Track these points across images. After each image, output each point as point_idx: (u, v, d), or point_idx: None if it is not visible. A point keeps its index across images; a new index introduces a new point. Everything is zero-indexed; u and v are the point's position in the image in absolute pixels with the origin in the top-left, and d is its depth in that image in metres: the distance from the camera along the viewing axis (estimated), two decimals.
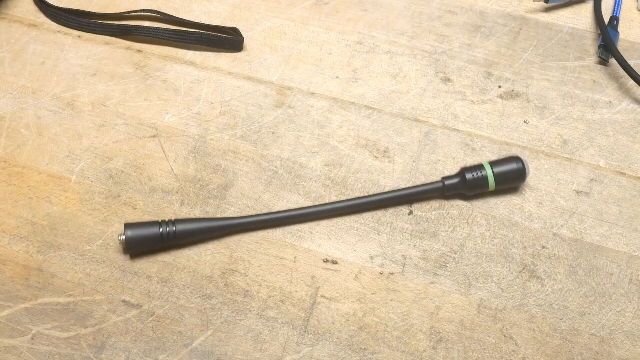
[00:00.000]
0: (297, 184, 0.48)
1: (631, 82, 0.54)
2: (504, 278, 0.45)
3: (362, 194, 0.48)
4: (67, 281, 0.44)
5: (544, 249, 0.46)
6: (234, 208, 0.47)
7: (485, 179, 0.47)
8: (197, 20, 0.58)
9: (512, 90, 0.54)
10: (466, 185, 0.47)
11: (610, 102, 0.53)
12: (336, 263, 0.45)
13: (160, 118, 0.52)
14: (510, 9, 0.59)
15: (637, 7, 0.60)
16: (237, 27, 0.57)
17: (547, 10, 0.59)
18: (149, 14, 0.58)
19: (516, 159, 0.47)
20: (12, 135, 0.51)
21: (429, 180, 0.48)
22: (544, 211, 0.48)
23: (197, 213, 0.47)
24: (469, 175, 0.47)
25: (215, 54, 0.55)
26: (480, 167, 0.47)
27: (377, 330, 0.42)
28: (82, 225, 0.46)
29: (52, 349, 0.41)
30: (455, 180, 0.47)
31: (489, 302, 0.44)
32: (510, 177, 0.47)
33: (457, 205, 0.48)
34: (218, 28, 0.56)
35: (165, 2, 0.59)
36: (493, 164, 0.47)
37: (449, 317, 0.43)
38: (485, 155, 0.50)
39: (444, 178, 0.47)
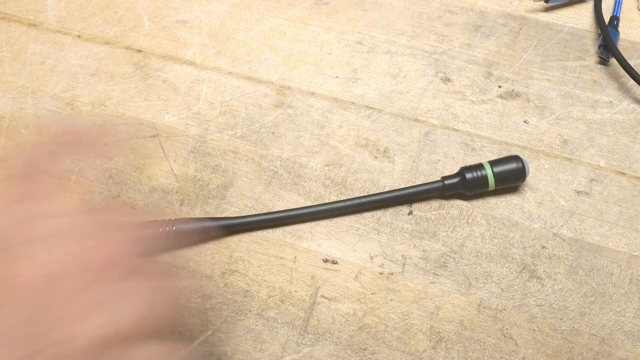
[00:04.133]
0: (297, 184, 0.48)
1: (631, 82, 0.54)
2: (504, 278, 0.45)
3: (362, 194, 0.48)
4: None
5: (544, 249, 0.46)
6: (234, 208, 0.47)
7: (485, 178, 0.46)
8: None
9: (512, 90, 0.54)
10: (466, 185, 0.47)
11: (611, 102, 0.53)
12: (336, 263, 0.45)
13: (160, 118, 0.52)
14: (510, 9, 0.59)
15: (638, 7, 0.60)
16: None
17: (547, 10, 0.59)
18: None
19: (516, 158, 0.47)
20: (11, 135, 0.50)
21: (429, 180, 0.48)
22: (544, 211, 0.47)
23: (197, 213, 0.47)
24: (469, 175, 0.47)
25: (215, 53, 0.55)
26: (480, 166, 0.47)
27: (377, 330, 0.42)
28: None
29: None
30: (455, 180, 0.47)
31: (489, 302, 0.44)
32: (510, 177, 0.47)
33: (457, 205, 0.48)
34: None
35: (165, 2, 0.59)
36: (493, 163, 0.47)
37: (449, 317, 0.43)
38: (485, 155, 0.50)
39: (444, 178, 0.47)
